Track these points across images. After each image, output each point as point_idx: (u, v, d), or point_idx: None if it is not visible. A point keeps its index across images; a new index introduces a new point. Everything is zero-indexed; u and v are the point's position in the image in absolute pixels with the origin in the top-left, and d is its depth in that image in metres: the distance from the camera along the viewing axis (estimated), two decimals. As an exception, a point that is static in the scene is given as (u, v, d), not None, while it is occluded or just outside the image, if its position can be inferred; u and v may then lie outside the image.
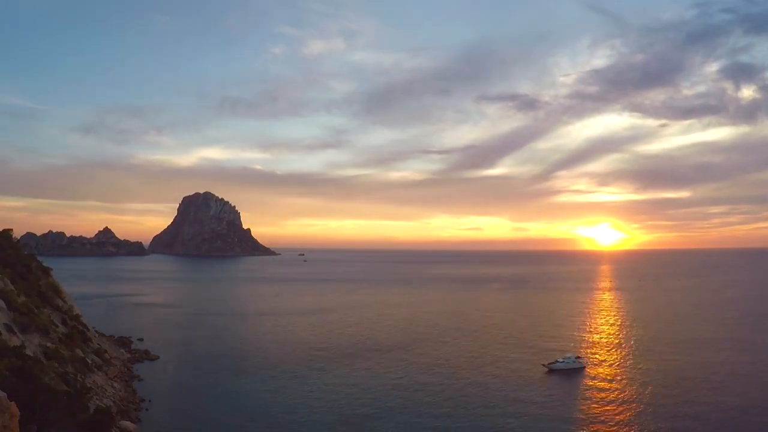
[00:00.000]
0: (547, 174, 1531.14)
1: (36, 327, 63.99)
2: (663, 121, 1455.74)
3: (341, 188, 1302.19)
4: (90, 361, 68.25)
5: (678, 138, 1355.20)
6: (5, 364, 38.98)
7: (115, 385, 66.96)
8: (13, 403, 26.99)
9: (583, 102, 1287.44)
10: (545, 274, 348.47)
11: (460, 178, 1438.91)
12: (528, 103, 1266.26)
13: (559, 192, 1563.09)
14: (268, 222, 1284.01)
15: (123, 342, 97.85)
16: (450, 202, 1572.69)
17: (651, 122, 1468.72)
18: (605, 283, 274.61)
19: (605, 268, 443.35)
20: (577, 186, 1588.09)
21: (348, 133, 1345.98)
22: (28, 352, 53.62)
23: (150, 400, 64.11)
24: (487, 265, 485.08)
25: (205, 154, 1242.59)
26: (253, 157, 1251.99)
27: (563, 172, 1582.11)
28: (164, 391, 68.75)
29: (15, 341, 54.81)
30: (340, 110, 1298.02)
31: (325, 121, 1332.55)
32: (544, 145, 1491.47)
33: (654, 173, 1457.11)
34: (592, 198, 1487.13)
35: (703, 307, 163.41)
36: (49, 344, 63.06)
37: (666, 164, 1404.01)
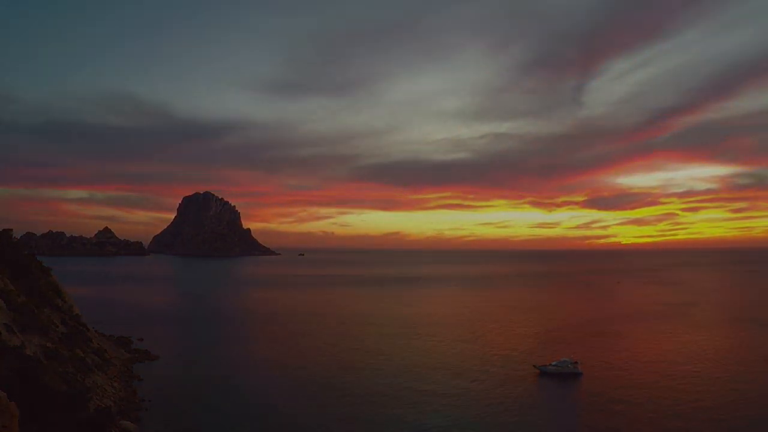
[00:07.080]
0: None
1: (36, 327, 64.05)
2: None
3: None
4: (90, 361, 68.22)
5: None
6: (5, 364, 38.96)
7: (115, 385, 66.90)
8: (13, 403, 26.99)
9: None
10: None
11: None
12: None
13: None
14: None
15: (123, 342, 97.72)
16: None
17: None
18: None
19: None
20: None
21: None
22: (28, 352, 53.70)
23: (150, 400, 64.01)
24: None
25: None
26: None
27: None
28: (164, 391, 68.61)
29: (15, 341, 54.86)
30: None
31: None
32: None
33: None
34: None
35: None
36: (49, 344, 63.08)
37: None
